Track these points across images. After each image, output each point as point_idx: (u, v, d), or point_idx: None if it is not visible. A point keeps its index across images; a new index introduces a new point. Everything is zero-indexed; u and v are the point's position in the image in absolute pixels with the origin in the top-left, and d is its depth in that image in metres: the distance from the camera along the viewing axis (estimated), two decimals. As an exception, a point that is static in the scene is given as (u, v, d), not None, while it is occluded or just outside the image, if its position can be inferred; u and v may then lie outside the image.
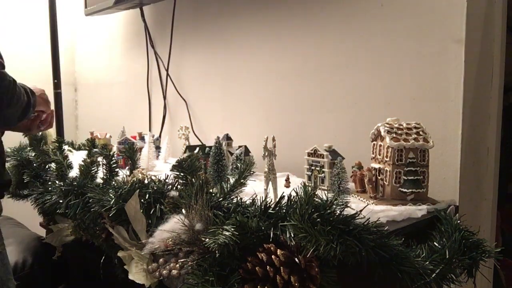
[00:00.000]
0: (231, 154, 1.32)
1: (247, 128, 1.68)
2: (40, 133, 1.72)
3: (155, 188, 0.98)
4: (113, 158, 1.22)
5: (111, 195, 1.01)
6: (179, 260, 0.84)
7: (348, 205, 0.78)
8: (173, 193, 0.93)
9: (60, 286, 1.71)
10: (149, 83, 2.15)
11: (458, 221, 0.91)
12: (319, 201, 0.71)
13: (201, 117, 1.90)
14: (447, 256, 0.81)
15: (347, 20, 1.34)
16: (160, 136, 1.92)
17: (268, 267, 0.69)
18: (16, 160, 1.48)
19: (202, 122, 1.89)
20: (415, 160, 0.99)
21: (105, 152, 1.23)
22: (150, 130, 2.16)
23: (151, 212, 0.94)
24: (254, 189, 0.94)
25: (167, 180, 1.01)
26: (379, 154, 1.05)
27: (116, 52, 2.43)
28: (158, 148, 1.63)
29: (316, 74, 1.44)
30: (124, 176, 1.17)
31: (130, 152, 1.27)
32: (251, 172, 0.97)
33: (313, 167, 1.12)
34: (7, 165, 1.49)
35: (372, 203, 1.00)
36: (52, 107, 1.44)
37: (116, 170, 1.21)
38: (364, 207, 0.79)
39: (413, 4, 1.19)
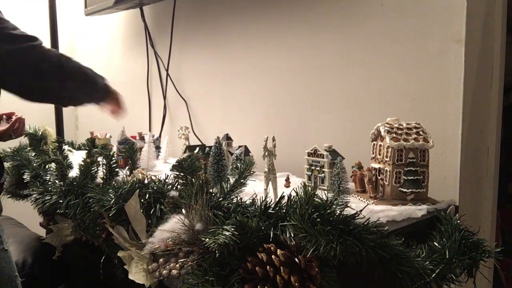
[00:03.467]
0: (231, 154, 1.32)
1: (247, 128, 1.68)
2: (40, 133, 1.72)
3: (155, 188, 0.98)
4: (113, 158, 1.22)
5: (111, 195, 1.01)
6: (179, 260, 0.84)
7: (348, 205, 0.78)
8: (173, 193, 0.93)
9: (60, 286, 1.71)
10: (149, 83, 2.15)
11: (458, 221, 0.91)
12: (319, 201, 0.71)
13: (201, 117, 1.90)
14: (447, 256, 0.81)
15: (347, 20, 1.34)
16: (160, 136, 1.92)
17: (268, 267, 0.69)
18: (16, 160, 1.48)
19: (202, 122, 1.89)
20: (415, 160, 0.99)
21: (105, 152, 1.23)
22: (150, 130, 2.16)
23: (151, 212, 0.94)
24: (254, 189, 0.94)
25: (167, 180, 1.01)
26: (379, 154, 1.05)
27: (116, 52, 2.43)
28: (158, 148, 1.63)
29: (316, 74, 1.44)
30: (124, 176, 1.17)
31: (130, 152, 1.27)
32: (251, 172, 0.97)
33: (313, 167, 1.12)
34: (7, 165, 1.49)
35: (372, 203, 1.00)
36: (22, 115, 1.49)
37: (116, 170, 1.21)
38: (364, 207, 0.78)
39: (413, 4, 1.19)
